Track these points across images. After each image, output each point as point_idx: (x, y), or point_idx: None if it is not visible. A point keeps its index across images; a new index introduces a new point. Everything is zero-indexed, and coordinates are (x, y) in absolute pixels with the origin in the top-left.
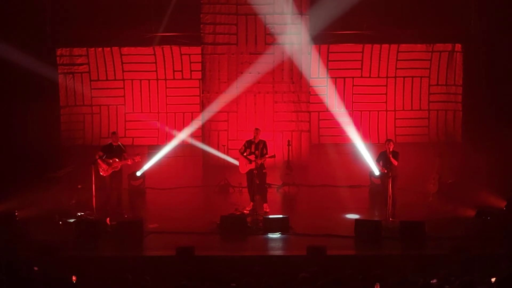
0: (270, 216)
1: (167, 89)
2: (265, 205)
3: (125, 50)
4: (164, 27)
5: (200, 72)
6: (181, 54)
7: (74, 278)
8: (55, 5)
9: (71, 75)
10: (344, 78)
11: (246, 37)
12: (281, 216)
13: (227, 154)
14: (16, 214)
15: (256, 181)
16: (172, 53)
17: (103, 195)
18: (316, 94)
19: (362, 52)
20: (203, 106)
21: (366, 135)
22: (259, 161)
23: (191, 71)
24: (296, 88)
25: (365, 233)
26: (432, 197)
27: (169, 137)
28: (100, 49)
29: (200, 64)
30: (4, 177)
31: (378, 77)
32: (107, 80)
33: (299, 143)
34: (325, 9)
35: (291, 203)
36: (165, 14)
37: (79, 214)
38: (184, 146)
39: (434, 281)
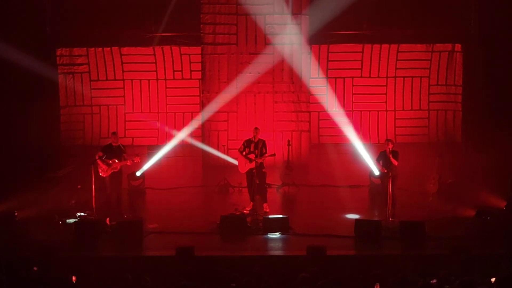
0: (270, 216)
1: (167, 89)
2: (265, 205)
3: (125, 50)
4: (164, 27)
5: (200, 72)
6: (181, 54)
7: (74, 278)
8: (55, 5)
9: (71, 75)
10: (344, 78)
11: (246, 37)
12: (281, 216)
13: (227, 154)
14: (16, 214)
15: (256, 181)
16: (172, 53)
17: (103, 195)
18: (316, 94)
19: (362, 52)
20: (203, 106)
21: (366, 135)
22: (259, 160)
23: (191, 71)
24: (296, 88)
25: (365, 233)
26: (432, 197)
27: (169, 137)
28: (100, 49)
29: (200, 64)
30: (4, 177)
31: (378, 77)
32: (107, 80)
33: (299, 143)
34: (325, 9)
35: (291, 203)
36: (165, 14)
37: (79, 214)
38: (184, 146)
39: (434, 281)
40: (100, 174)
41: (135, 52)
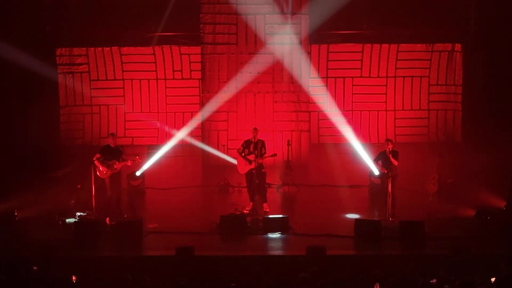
0: (270, 216)
1: (167, 89)
2: (264, 205)
3: (125, 50)
4: (163, 27)
5: (200, 72)
6: (180, 54)
7: (74, 278)
8: (55, 5)
9: (71, 75)
10: (344, 78)
11: (246, 37)
12: (280, 216)
13: (227, 154)
14: (16, 214)
15: (256, 181)
16: (171, 53)
17: (103, 195)
18: (316, 94)
19: (362, 52)
20: (202, 106)
21: (366, 135)
22: (260, 161)
23: (190, 71)
24: (296, 87)
25: (365, 233)
26: (432, 197)
27: (168, 137)
28: (100, 49)
29: (200, 64)
30: (4, 177)
31: (378, 77)
32: (106, 80)
33: (299, 143)
34: (324, 9)
35: (290, 203)
36: (165, 14)
37: (78, 214)
38: (183, 146)
39: (434, 281)
40: (100, 175)
41: (135, 52)
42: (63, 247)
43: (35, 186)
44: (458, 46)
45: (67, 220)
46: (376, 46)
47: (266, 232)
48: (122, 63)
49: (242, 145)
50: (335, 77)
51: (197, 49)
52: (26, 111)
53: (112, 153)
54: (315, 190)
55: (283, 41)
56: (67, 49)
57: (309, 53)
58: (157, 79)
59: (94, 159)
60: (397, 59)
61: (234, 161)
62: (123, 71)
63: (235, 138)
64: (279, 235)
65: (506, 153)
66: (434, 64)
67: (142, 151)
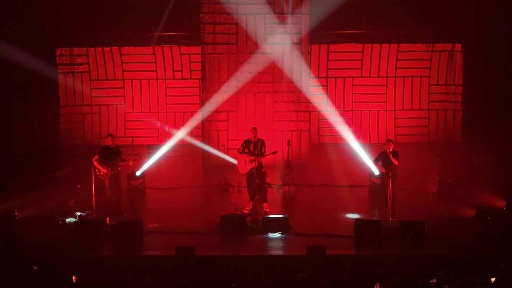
0: (270, 216)
1: (167, 88)
2: (265, 204)
3: (125, 49)
4: (163, 26)
5: (200, 71)
6: (181, 54)
7: (74, 278)
8: (55, 5)
9: (71, 75)
10: (344, 78)
11: (246, 36)
12: (281, 215)
13: (227, 153)
14: (16, 213)
15: (256, 181)
16: (172, 53)
17: (103, 195)
18: (316, 94)
19: (362, 52)
20: (202, 105)
21: (366, 135)
22: (261, 159)
23: (191, 70)
24: (296, 87)
25: (365, 233)
26: (432, 197)
27: (168, 137)
28: (100, 48)
29: (200, 63)
30: (4, 177)
31: (378, 77)
32: (107, 79)
33: (299, 143)
34: (324, 9)
35: (291, 203)
36: (165, 13)
37: (78, 213)
38: (184, 146)
39: (434, 281)
40: (100, 176)
41: (135, 52)
42: (63, 247)
43: (35, 186)
44: (458, 46)
45: (67, 220)
46: (376, 46)
47: (266, 232)
48: (122, 63)
49: (242, 145)
50: (335, 77)
51: (197, 49)
52: (26, 111)
53: (111, 154)
54: (315, 190)
55: (283, 41)
56: (67, 49)
57: (309, 53)
58: (157, 79)
59: (94, 160)
60: (397, 59)
61: (234, 161)
62: (123, 71)
63: (235, 138)
64: (279, 235)
65: (506, 153)
66: (434, 64)
67: (142, 151)
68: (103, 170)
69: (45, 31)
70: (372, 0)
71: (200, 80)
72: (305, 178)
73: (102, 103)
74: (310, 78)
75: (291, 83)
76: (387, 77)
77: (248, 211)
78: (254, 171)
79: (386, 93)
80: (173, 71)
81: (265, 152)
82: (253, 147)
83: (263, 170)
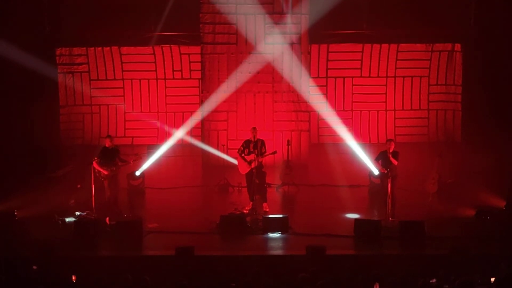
0: (270, 216)
1: (167, 88)
2: (264, 204)
3: (124, 49)
4: (163, 26)
5: (200, 71)
6: (180, 54)
7: (74, 278)
8: (55, 5)
9: (70, 75)
10: (344, 78)
11: (245, 36)
12: (280, 215)
13: (227, 153)
14: (16, 213)
15: (256, 181)
16: (171, 53)
17: (102, 195)
18: (316, 94)
19: (362, 52)
20: (202, 105)
21: (365, 135)
22: (261, 159)
23: (190, 70)
24: (296, 87)
25: (365, 233)
26: (432, 197)
27: (168, 137)
28: (99, 48)
29: (199, 63)
30: (4, 177)
31: (378, 76)
32: (106, 79)
33: (299, 143)
34: (324, 9)
35: (290, 203)
36: (164, 13)
37: (78, 213)
38: (183, 146)
39: (434, 281)
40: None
41: (135, 52)
42: (63, 247)
43: (35, 186)
44: (458, 46)
45: (67, 220)
46: (376, 46)
47: (266, 232)
48: (122, 63)
49: (242, 145)
50: (335, 77)
51: (197, 49)
52: (26, 111)
53: (110, 155)
54: (315, 190)
55: (283, 41)
56: (67, 49)
57: (308, 53)
58: (157, 79)
59: (94, 162)
60: (397, 59)
61: (234, 161)
62: (123, 71)
63: (235, 138)
64: (279, 235)
65: (506, 153)
66: (434, 64)
67: (141, 151)
68: (104, 172)
69: (45, 31)
70: (372, 0)
71: (200, 80)
72: (305, 178)
73: (102, 103)
74: (310, 78)
75: (290, 83)
76: (386, 77)
77: (248, 211)
78: (254, 171)
79: (385, 93)
80: (173, 71)
81: (265, 152)
82: (253, 147)
83: (263, 170)
